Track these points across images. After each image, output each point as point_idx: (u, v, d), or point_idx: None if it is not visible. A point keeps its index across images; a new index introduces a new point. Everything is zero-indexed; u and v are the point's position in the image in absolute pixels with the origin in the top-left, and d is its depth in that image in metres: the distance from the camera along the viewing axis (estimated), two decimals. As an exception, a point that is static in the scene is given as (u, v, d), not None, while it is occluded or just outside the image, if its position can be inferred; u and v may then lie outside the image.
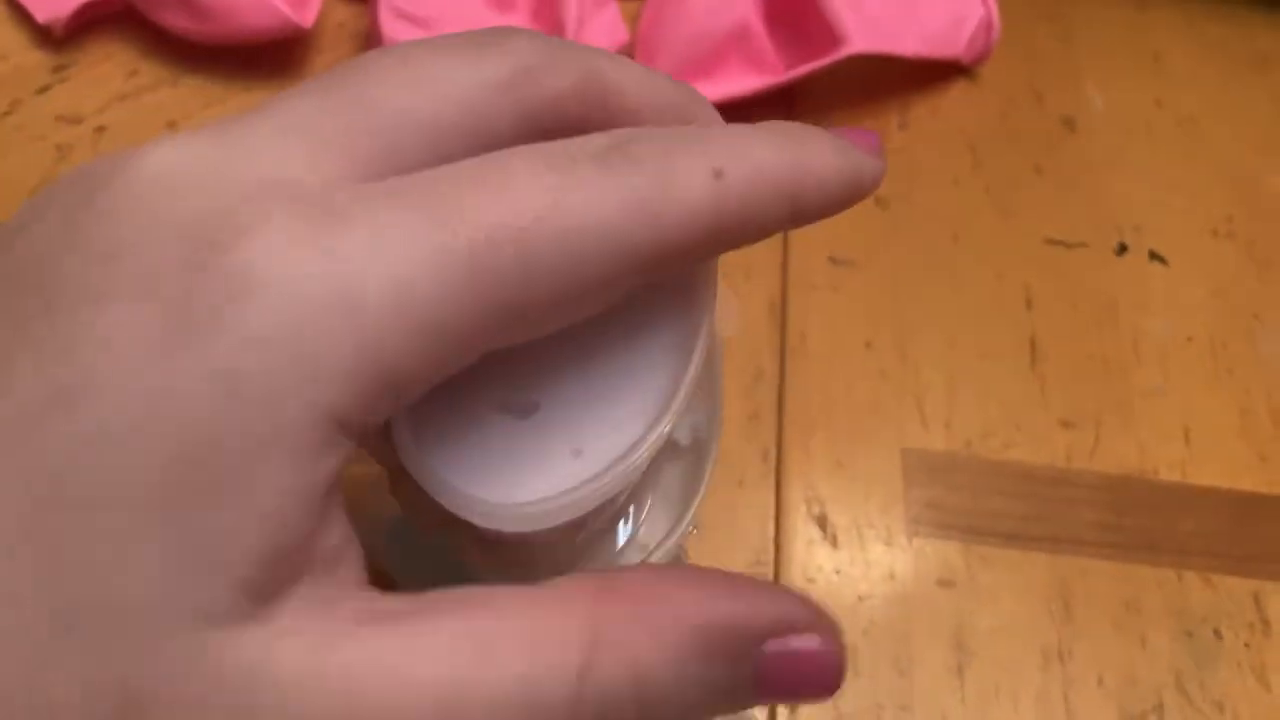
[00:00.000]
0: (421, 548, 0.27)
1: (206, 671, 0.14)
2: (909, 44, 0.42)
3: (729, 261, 0.38)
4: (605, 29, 0.43)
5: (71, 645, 0.14)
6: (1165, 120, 0.46)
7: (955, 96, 0.45)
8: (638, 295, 0.21)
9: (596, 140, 0.17)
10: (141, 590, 0.14)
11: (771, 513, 0.34)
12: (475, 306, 0.16)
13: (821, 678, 0.17)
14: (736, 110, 0.42)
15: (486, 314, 0.16)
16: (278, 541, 0.15)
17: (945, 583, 0.33)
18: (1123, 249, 0.41)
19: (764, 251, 0.39)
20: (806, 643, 0.17)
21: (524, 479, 0.19)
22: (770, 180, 0.18)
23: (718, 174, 0.17)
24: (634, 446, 0.19)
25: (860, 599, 0.32)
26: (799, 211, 0.19)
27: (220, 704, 0.14)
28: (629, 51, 0.44)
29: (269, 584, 0.15)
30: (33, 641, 0.14)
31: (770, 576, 0.32)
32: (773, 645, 0.17)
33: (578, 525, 0.20)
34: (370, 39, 0.41)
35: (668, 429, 0.19)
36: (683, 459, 0.24)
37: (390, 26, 0.39)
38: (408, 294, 0.15)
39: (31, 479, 0.14)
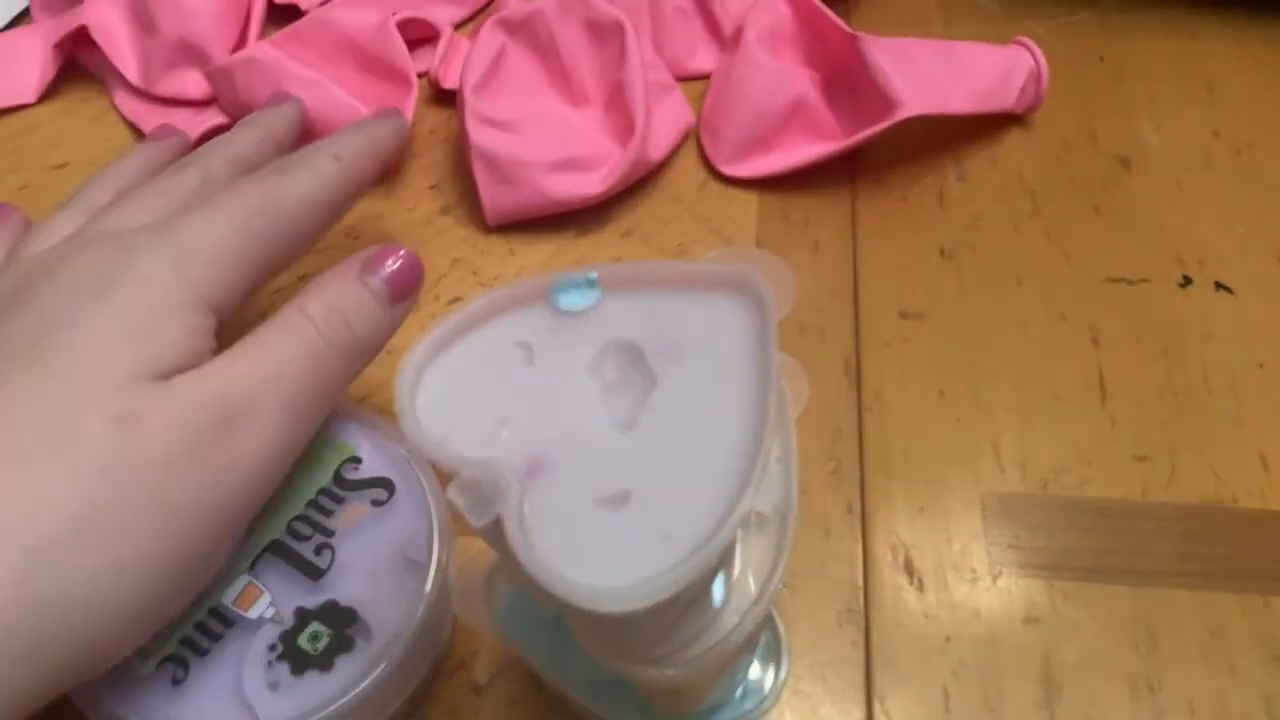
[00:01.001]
0: (534, 620, 0.30)
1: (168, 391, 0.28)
2: (961, 103, 0.44)
3: (803, 325, 0.40)
4: (672, 113, 0.46)
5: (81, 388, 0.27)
6: (1223, 150, 0.47)
7: (1010, 144, 0.47)
8: (715, 386, 0.23)
9: (286, 160, 0.35)
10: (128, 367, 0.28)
11: (859, 562, 0.36)
12: (253, 250, 0.32)
13: (415, 268, 0.33)
14: (802, 176, 0.45)
15: (261, 252, 0.32)
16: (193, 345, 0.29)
17: (1030, 620, 0.34)
18: (1187, 281, 0.42)
19: (836, 313, 0.41)
20: (401, 255, 0.33)
21: (621, 564, 0.21)
22: (364, 153, 0.37)
23: (337, 157, 0.35)
24: (718, 527, 0.21)
25: (948, 640, 0.34)
26: (382, 165, 0.38)
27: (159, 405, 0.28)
28: (695, 131, 0.47)
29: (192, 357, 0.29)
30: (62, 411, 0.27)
31: (862, 625, 0.34)
32: (388, 263, 0.32)
33: (673, 600, 0.22)
34: (460, 143, 0.45)
35: (748, 507, 0.22)
36: (767, 526, 0.26)
37: (477, 131, 0.42)
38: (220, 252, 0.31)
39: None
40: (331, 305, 0.31)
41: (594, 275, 0.25)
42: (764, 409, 0.23)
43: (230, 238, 0.31)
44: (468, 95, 0.42)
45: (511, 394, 0.24)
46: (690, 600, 0.24)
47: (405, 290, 0.33)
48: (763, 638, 0.31)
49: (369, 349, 0.32)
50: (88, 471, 0.26)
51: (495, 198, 0.42)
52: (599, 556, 0.21)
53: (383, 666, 0.29)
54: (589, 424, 0.23)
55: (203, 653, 0.29)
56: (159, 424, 0.27)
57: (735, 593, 0.26)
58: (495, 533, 0.23)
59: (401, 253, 0.32)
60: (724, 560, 0.24)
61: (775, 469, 0.26)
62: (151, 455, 0.27)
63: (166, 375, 0.28)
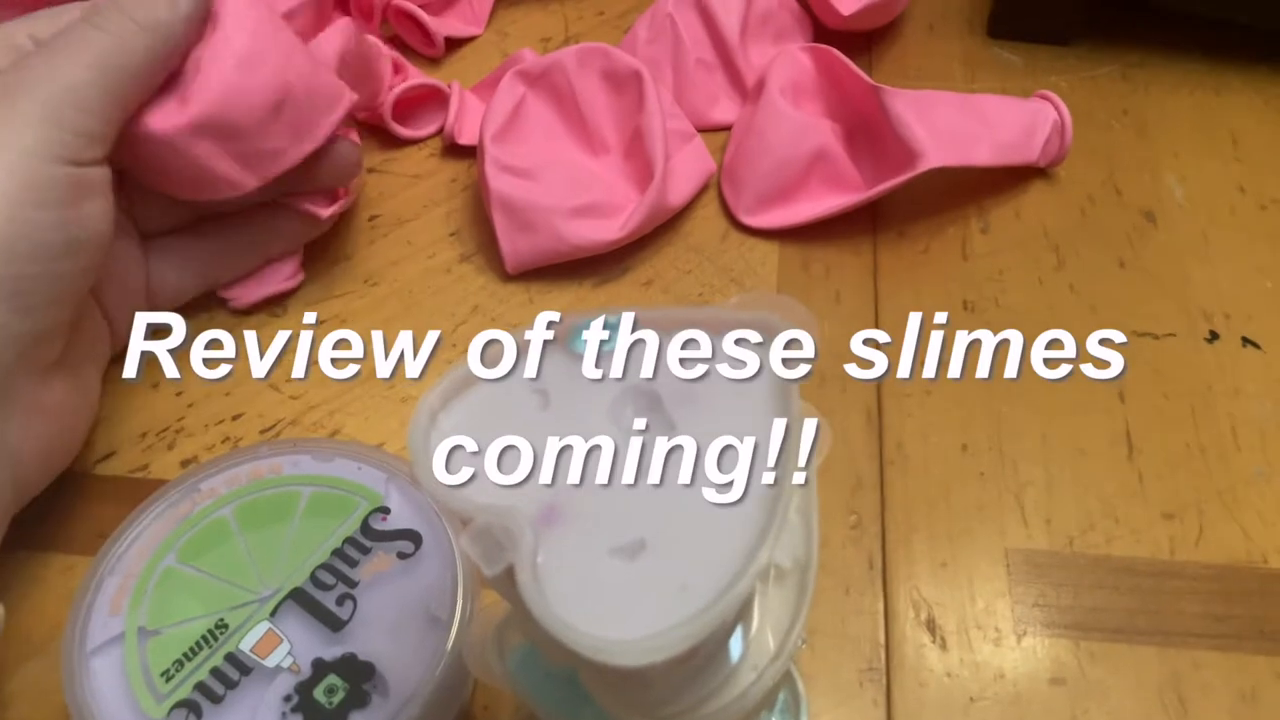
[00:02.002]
0: (548, 674, 0.29)
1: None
2: (984, 155, 0.44)
3: (824, 375, 0.39)
4: (692, 160, 0.46)
5: None
6: (1248, 205, 0.46)
7: (1034, 197, 0.47)
8: (735, 433, 0.23)
9: None
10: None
11: (880, 619, 0.35)
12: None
13: None
14: (823, 226, 0.45)
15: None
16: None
17: (1056, 680, 0.34)
18: (1214, 336, 0.42)
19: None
20: None
21: (637, 616, 0.21)
22: None
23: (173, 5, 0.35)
24: (736, 578, 0.21)
25: (972, 700, 0.33)
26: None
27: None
28: (715, 181, 0.47)
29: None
30: None
31: (883, 683, 0.34)
32: None
33: (689, 655, 0.21)
34: (479, 191, 0.45)
35: (766, 559, 0.21)
36: (787, 580, 0.26)
37: (495, 178, 0.42)
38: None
39: None
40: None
41: (614, 319, 0.25)
42: (785, 458, 0.22)
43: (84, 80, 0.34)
44: (487, 143, 0.42)
45: (526, 440, 0.24)
46: (707, 655, 0.23)
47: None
48: (781, 696, 0.30)
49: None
50: None
51: (514, 244, 0.42)
52: (613, 607, 0.21)
53: (396, 724, 0.29)
54: (604, 471, 0.23)
55: (217, 699, 0.29)
56: None
57: (753, 649, 0.25)
58: (508, 582, 0.22)
59: None
60: (742, 613, 0.24)
61: (795, 520, 0.26)
62: None
63: None
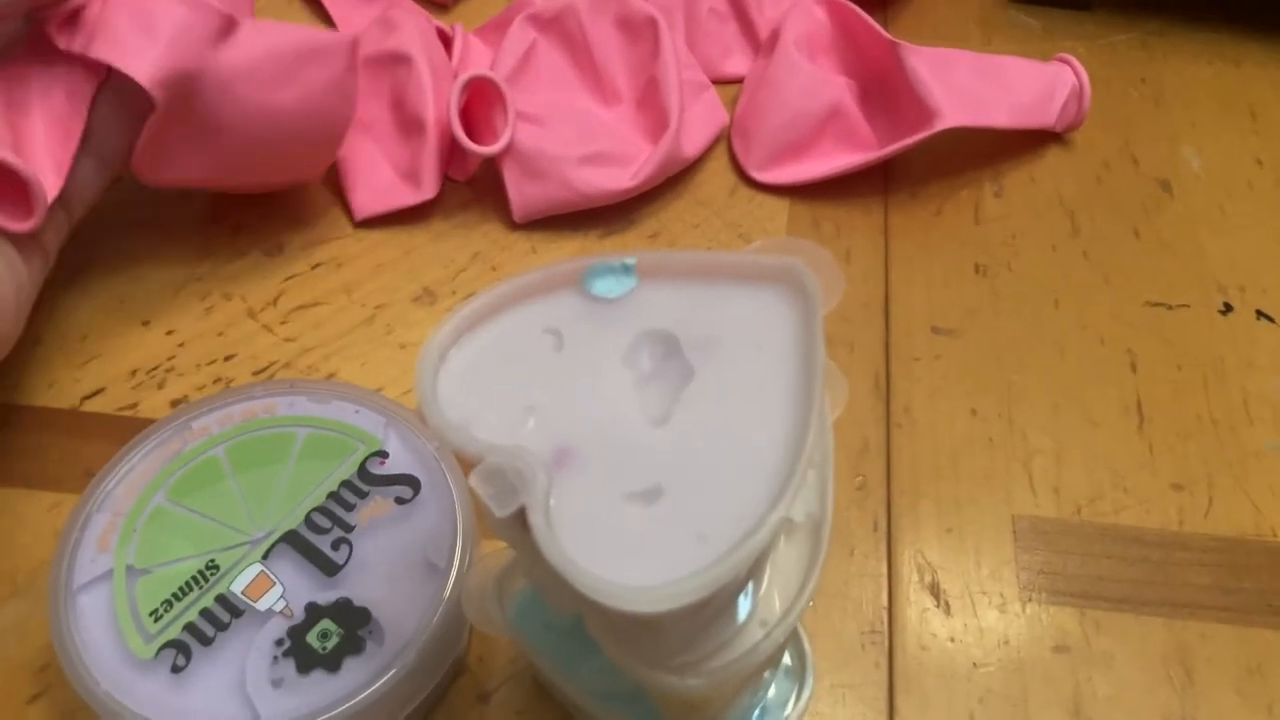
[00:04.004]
0: (547, 625, 0.29)
1: None
2: (1000, 116, 0.43)
3: (831, 337, 0.39)
4: (704, 113, 0.45)
5: None
6: (1266, 178, 0.46)
7: (1050, 162, 0.46)
8: (755, 382, 0.22)
9: None
10: None
11: (884, 582, 0.34)
12: None
13: None
14: (834, 185, 0.44)
15: None
16: None
17: (1060, 648, 0.33)
18: (1228, 308, 0.41)
19: (866, 324, 0.40)
20: None
21: (651, 562, 0.20)
22: None
23: None
24: (755, 528, 0.20)
25: (975, 666, 0.33)
26: None
27: None
28: (727, 134, 0.46)
29: None
30: None
31: (885, 646, 0.33)
32: None
33: (699, 606, 0.21)
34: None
35: (786, 510, 0.20)
36: (798, 536, 0.25)
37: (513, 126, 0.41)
38: None
39: None
40: None
41: (631, 261, 0.24)
42: (808, 405, 0.22)
43: None
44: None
45: (539, 382, 0.23)
46: (719, 607, 0.23)
47: None
48: (786, 657, 0.30)
49: None
50: None
51: (523, 193, 0.41)
52: (628, 553, 0.20)
53: (393, 672, 0.28)
54: (620, 416, 0.22)
55: (207, 641, 0.28)
56: None
57: (762, 605, 0.24)
58: (516, 526, 0.21)
59: None
60: (759, 564, 0.23)
61: (810, 475, 0.25)
62: None
63: None
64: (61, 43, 0.33)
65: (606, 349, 0.23)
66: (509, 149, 0.41)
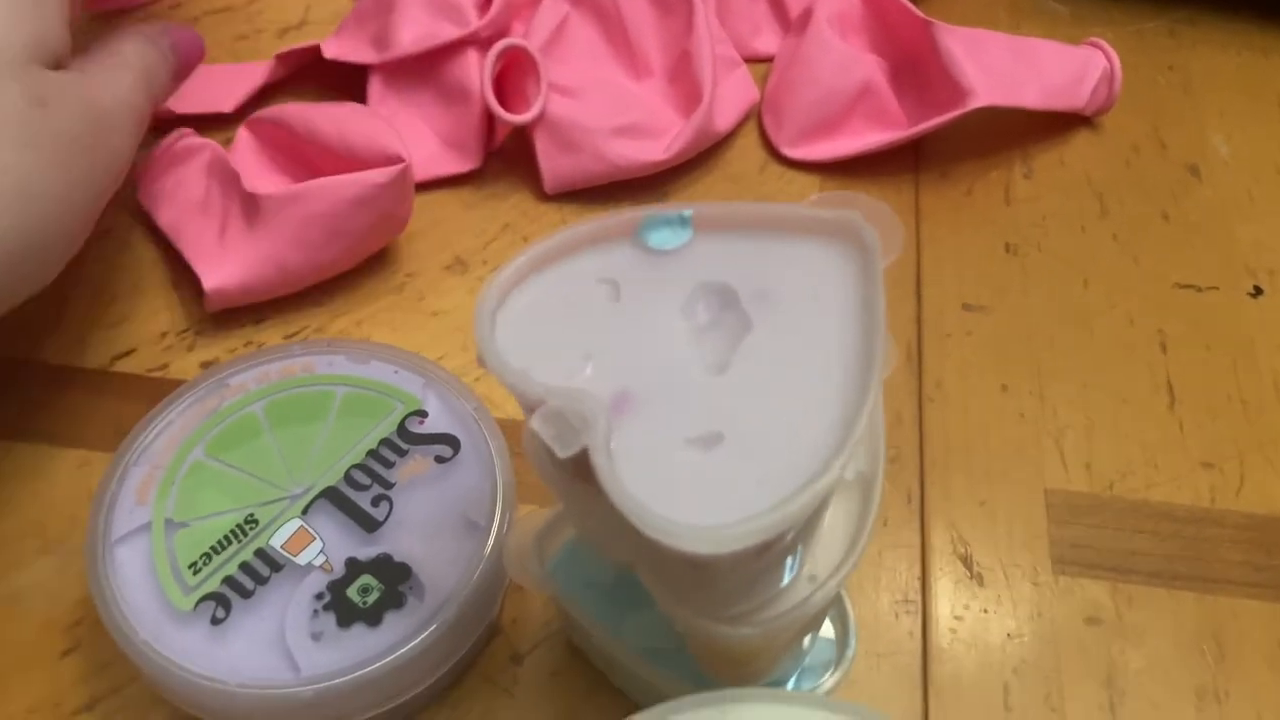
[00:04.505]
0: (588, 581, 0.29)
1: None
2: (1032, 97, 0.43)
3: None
4: (736, 89, 0.45)
5: None
6: (1294, 164, 0.46)
7: (1079, 145, 0.46)
8: (814, 334, 0.22)
9: None
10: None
11: (917, 553, 0.34)
12: None
13: (195, 42, 0.38)
14: (864, 162, 0.44)
15: None
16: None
17: (1093, 621, 0.33)
18: (1258, 292, 0.41)
19: (897, 300, 0.40)
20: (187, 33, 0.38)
21: (712, 506, 0.20)
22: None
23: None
24: (816, 475, 0.20)
25: (1009, 637, 0.33)
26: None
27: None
28: (757, 110, 0.46)
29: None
30: None
31: (919, 615, 0.33)
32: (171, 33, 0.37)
33: (759, 551, 0.21)
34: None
35: (849, 458, 0.20)
36: (848, 495, 0.25)
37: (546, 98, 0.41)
38: None
39: None
40: (145, 61, 0.36)
41: (687, 213, 0.24)
42: (869, 356, 0.22)
43: None
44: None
45: (596, 329, 0.23)
46: (777, 555, 0.22)
47: (189, 66, 0.39)
48: (827, 622, 0.30)
49: (158, 106, 0.38)
50: (10, 133, 0.29)
51: (555, 164, 0.41)
52: (689, 497, 0.20)
53: (434, 627, 0.28)
54: (679, 363, 0.22)
55: (247, 594, 0.28)
56: (64, 111, 0.31)
57: (813, 559, 0.24)
58: (574, 472, 0.21)
59: (193, 35, 0.39)
60: (816, 516, 0.23)
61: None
62: (59, 132, 0.31)
63: (53, 65, 0.32)
64: None
65: (663, 300, 0.23)
66: (541, 119, 0.41)
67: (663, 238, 0.24)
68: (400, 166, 0.37)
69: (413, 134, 0.42)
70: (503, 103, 0.41)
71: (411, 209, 0.40)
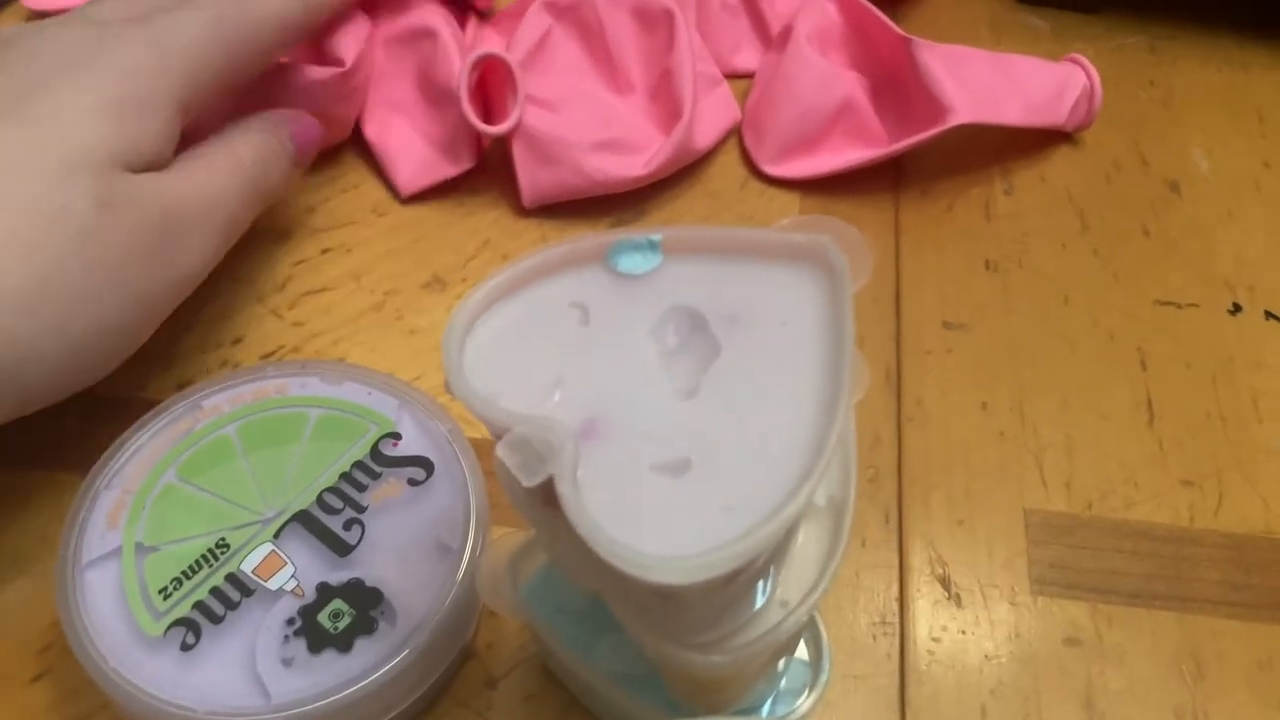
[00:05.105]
0: (561, 606, 0.28)
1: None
2: (1012, 114, 0.43)
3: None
4: (717, 107, 0.44)
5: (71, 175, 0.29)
6: (1274, 181, 0.46)
7: (1059, 161, 0.46)
8: (783, 358, 0.22)
9: None
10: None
11: (895, 573, 0.34)
12: (223, 55, 0.34)
13: (314, 129, 0.39)
14: (845, 179, 0.44)
15: (229, 58, 0.34)
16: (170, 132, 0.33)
17: (1072, 642, 0.33)
18: (1237, 309, 0.41)
19: (877, 318, 0.40)
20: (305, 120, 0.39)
21: (679, 534, 0.20)
22: None
23: None
24: (784, 502, 0.20)
25: (987, 658, 0.32)
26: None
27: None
28: (738, 129, 0.46)
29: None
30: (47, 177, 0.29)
31: (896, 637, 0.33)
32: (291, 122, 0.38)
33: (727, 579, 0.20)
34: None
35: (817, 484, 0.20)
36: (819, 519, 0.25)
37: (523, 110, 0.41)
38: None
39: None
40: (259, 153, 0.36)
41: (657, 237, 0.24)
42: (838, 382, 0.21)
43: (204, 40, 0.33)
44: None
45: (565, 354, 0.22)
46: (745, 583, 0.22)
47: (309, 153, 0.39)
48: (801, 644, 0.30)
49: (276, 196, 0.38)
50: (66, 237, 0.29)
51: (534, 177, 0.41)
52: (656, 525, 0.20)
53: (406, 653, 0.28)
54: (647, 389, 0.22)
55: (217, 619, 0.28)
56: (130, 214, 0.30)
57: (784, 584, 0.24)
58: (542, 499, 0.21)
59: (312, 122, 0.39)
60: (785, 542, 0.23)
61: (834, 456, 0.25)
62: (120, 239, 0.30)
63: (139, 168, 0.31)
64: None
65: (633, 324, 0.23)
66: (520, 131, 0.41)
67: (633, 262, 0.24)
68: (338, 71, 0.40)
69: (405, 144, 0.43)
70: (490, 110, 0.42)
71: (354, 116, 0.43)
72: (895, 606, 0.34)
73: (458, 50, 0.42)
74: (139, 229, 0.31)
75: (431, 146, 0.43)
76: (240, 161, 0.35)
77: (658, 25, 0.43)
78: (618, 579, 0.20)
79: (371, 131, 0.44)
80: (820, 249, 0.23)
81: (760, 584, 0.24)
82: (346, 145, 0.45)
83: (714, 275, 0.23)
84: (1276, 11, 0.51)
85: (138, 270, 0.31)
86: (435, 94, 0.43)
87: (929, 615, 0.33)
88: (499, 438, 0.21)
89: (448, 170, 0.43)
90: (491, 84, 0.42)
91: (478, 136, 0.43)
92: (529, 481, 0.20)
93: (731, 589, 0.22)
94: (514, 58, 0.41)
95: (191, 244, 0.33)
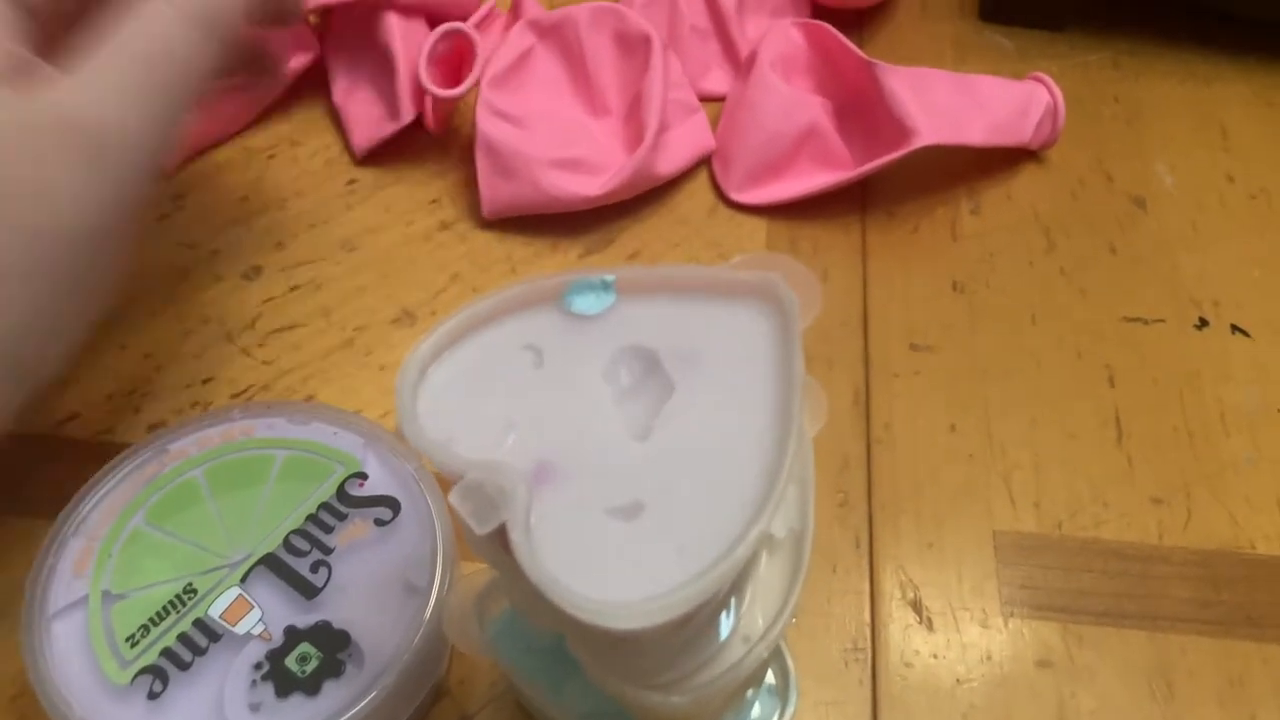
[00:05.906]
0: (529, 645, 0.28)
1: None
2: (976, 134, 0.43)
3: (810, 354, 0.39)
4: (690, 134, 0.45)
5: None
6: (1237, 194, 0.46)
7: (1025, 180, 0.46)
8: (736, 395, 0.22)
9: None
10: None
11: (866, 599, 0.34)
12: None
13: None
14: (812, 204, 0.44)
15: None
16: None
17: (1043, 663, 0.33)
18: (1203, 323, 0.41)
19: (844, 341, 0.40)
20: None
21: (633, 578, 0.20)
22: None
23: None
24: (735, 542, 0.20)
25: (959, 682, 0.33)
26: None
27: None
28: (711, 156, 0.46)
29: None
30: None
31: (868, 662, 0.33)
32: None
33: (683, 621, 0.21)
34: (467, 148, 0.44)
35: (767, 524, 0.20)
36: (780, 551, 0.25)
37: (485, 122, 0.41)
38: None
39: None
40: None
41: (610, 278, 0.24)
42: (787, 420, 0.22)
43: None
44: (483, 87, 0.42)
45: (519, 398, 0.23)
46: (701, 623, 0.22)
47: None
48: (770, 674, 0.30)
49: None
50: None
51: (494, 189, 0.42)
52: (609, 570, 0.20)
53: (373, 695, 0.28)
54: (601, 431, 0.22)
55: (184, 666, 0.28)
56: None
57: (744, 621, 0.24)
58: (497, 544, 0.21)
59: None
60: (741, 580, 0.23)
61: (791, 490, 0.25)
62: None
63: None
64: None
65: (586, 365, 0.23)
66: (482, 143, 0.41)
67: (586, 303, 0.24)
68: None
69: (364, 109, 0.46)
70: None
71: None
72: (867, 632, 0.34)
73: (399, 19, 0.45)
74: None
75: (383, 110, 0.45)
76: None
77: (636, 50, 0.43)
78: (574, 623, 0.20)
79: (338, 95, 0.46)
80: (770, 286, 0.23)
81: (722, 618, 0.24)
82: (313, 182, 0.45)
83: (667, 314, 0.24)
84: (1237, 24, 0.51)
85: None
86: (382, 61, 0.45)
87: (901, 640, 0.33)
88: (454, 483, 0.21)
89: (388, 129, 0.44)
90: (457, 61, 0.44)
91: (416, 95, 0.44)
92: (481, 529, 0.20)
93: (688, 630, 0.22)
94: (494, 72, 0.41)
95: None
